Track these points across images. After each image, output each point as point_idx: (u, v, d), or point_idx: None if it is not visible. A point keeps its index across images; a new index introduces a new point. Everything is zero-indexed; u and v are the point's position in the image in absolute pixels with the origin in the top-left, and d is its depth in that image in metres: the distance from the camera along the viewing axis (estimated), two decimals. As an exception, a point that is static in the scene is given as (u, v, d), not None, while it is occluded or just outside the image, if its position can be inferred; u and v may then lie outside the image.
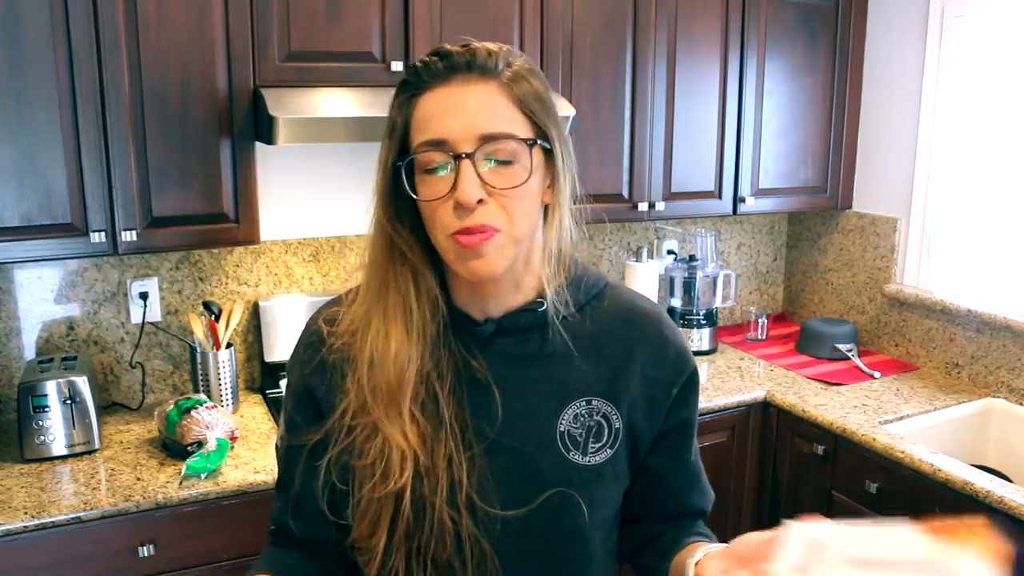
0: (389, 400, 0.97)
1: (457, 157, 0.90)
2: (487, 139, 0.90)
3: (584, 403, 1.01)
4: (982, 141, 2.67)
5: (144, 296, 2.40)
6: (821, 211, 3.12)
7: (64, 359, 2.20)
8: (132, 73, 2.00)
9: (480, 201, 0.90)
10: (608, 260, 3.07)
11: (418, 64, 0.95)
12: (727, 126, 2.78)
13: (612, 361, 1.02)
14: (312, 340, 1.06)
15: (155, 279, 2.42)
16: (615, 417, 1.02)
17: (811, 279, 3.29)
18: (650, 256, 3.00)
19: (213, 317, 2.35)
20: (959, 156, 2.74)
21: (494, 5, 2.34)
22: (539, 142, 0.94)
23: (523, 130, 0.93)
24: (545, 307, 1.00)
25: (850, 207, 3.08)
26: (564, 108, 2.36)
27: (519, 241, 0.95)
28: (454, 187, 0.90)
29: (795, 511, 2.60)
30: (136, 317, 2.41)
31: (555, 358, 1.01)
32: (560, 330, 1.01)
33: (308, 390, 1.05)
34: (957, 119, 2.72)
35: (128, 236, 2.05)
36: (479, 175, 0.90)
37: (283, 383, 1.15)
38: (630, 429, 1.03)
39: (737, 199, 2.84)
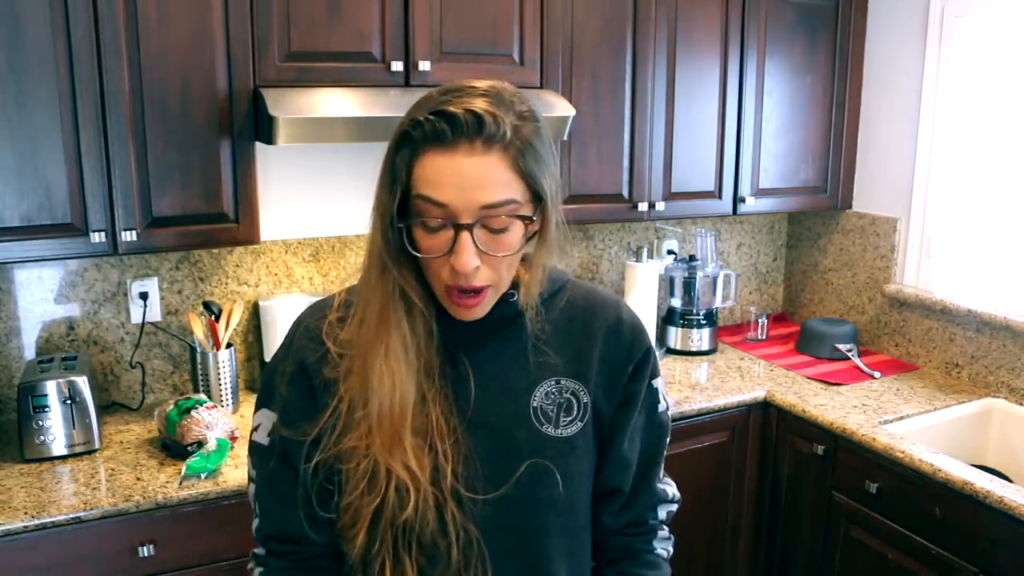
0: (392, 435, 1.01)
1: (458, 228, 0.95)
2: (487, 207, 0.95)
3: (554, 382, 1.08)
4: (982, 141, 2.67)
5: (144, 296, 2.40)
6: (821, 211, 3.12)
7: (64, 359, 2.20)
8: (132, 73, 2.00)
9: (476, 268, 0.96)
10: (608, 260, 3.07)
11: (422, 120, 0.95)
12: (727, 126, 2.78)
13: (576, 345, 1.10)
14: (312, 336, 1.10)
15: (155, 279, 2.42)
16: (583, 393, 1.10)
17: (811, 279, 3.29)
18: (650, 256, 3.00)
19: (213, 317, 2.35)
20: (959, 156, 2.74)
21: (494, 5, 2.34)
22: (534, 218, 0.99)
23: (521, 196, 0.97)
24: (517, 298, 1.07)
25: (850, 207, 3.08)
26: (564, 108, 2.36)
27: (503, 290, 1.03)
28: (452, 250, 0.96)
29: (795, 511, 2.60)
30: (136, 317, 2.41)
31: (526, 345, 1.09)
32: (531, 322, 1.08)
33: (307, 375, 1.08)
34: (957, 119, 2.72)
35: (128, 236, 2.05)
36: (476, 243, 0.96)
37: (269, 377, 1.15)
38: (594, 407, 1.10)
39: (737, 199, 2.84)
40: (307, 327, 1.11)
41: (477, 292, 0.99)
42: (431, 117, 0.94)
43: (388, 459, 1.01)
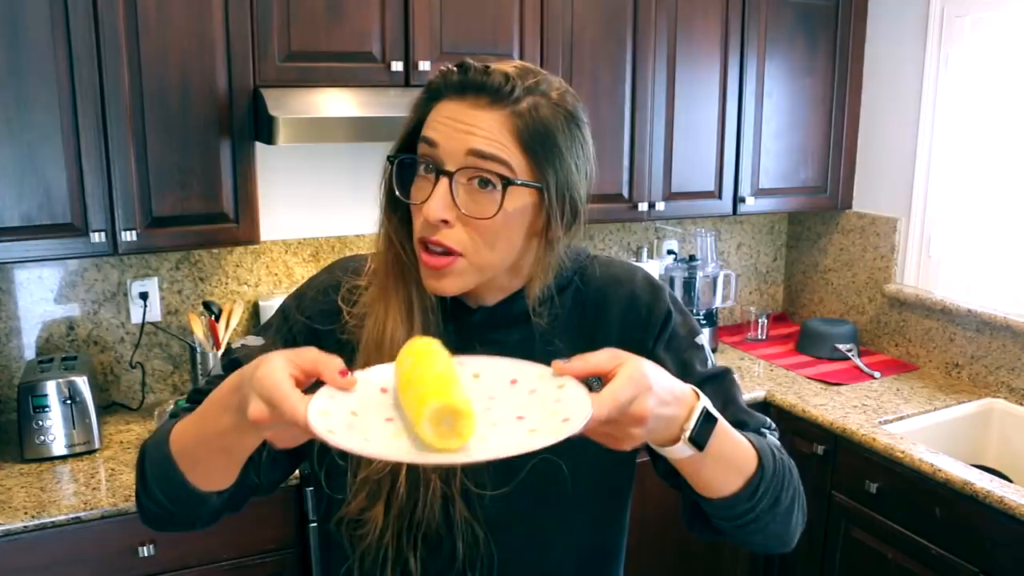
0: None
1: (440, 174, 0.92)
2: (474, 153, 0.92)
3: None
4: (982, 141, 2.67)
5: (144, 296, 2.40)
6: (821, 211, 3.12)
7: (64, 359, 2.20)
8: (132, 73, 2.00)
9: (446, 222, 0.93)
10: (608, 260, 3.07)
11: (446, 71, 0.98)
12: (727, 126, 2.78)
13: (590, 332, 1.05)
14: (330, 306, 1.05)
15: (155, 279, 2.42)
16: (597, 385, 1.04)
17: (811, 279, 3.29)
18: (650, 256, 3.00)
19: (213, 317, 2.35)
20: (959, 156, 2.73)
21: (494, 5, 2.34)
22: (519, 183, 0.94)
23: (517, 167, 0.93)
24: (525, 294, 1.03)
25: (850, 207, 3.08)
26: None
27: (484, 269, 0.97)
28: (428, 199, 0.93)
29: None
30: (136, 317, 2.41)
31: (539, 341, 1.04)
32: (538, 317, 1.03)
33: (319, 339, 1.02)
34: (957, 119, 2.72)
35: (128, 236, 2.05)
36: (454, 196, 0.92)
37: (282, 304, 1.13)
38: None
39: (737, 199, 2.84)
40: (331, 299, 1.06)
41: (446, 253, 0.94)
42: (453, 68, 0.96)
43: None
